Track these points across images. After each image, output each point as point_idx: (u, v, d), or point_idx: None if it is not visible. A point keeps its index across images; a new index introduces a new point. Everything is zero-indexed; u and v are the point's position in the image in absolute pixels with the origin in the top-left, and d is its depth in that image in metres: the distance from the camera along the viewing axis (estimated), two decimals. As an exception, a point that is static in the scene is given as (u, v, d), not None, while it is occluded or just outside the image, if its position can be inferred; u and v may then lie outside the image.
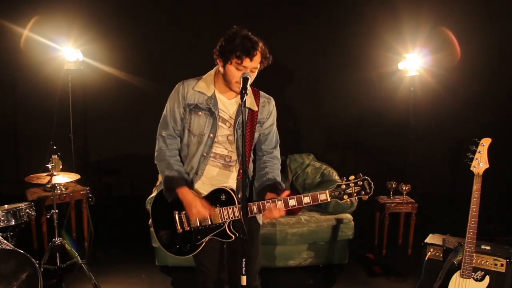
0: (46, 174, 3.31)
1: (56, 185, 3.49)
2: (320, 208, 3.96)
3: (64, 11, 4.65)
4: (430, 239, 2.81)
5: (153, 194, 3.70)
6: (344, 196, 1.98)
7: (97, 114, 5.08)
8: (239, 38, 1.97)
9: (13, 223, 3.02)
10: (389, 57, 4.80)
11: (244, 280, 1.97)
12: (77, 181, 3.83)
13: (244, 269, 1.95)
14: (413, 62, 4.44)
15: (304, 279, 3.61)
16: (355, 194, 1.98)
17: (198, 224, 2.12)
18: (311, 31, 5.05)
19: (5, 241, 2.92)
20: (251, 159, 2.24)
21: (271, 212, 2.03)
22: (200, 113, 2.12)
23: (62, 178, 3.30)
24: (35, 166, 4.03)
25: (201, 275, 2.31)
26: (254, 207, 2.04)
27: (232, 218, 2.09)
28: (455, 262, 2.57)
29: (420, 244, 2.82)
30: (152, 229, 3.55)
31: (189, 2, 5.04)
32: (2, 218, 2.97)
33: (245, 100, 1.89)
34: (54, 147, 3.78)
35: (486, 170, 2.44)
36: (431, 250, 2.74)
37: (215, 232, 2.12)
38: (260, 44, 2.01)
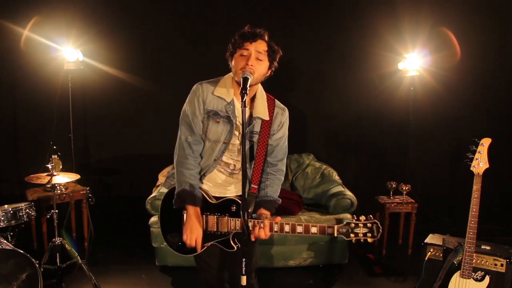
0: (46, 174, 3.31)
1: (56, 185, 3.49)
2: (320, 208, 3.96)
3: (64, 11, 4.65)
4: (430, 239, 2.81)
5: (153, 194, 3.71)
6: (351, 235, 1.99)
7: (97, 114, 5.08)
8: (241, 31, 2.01)
9: (13, 223, 3.02)
10: (389, 57, 4.80)
11: (244, 280, 1.97)
12: (77, 181, 3.83)
13: (244, 269, 1.96)
14: (413, 62, 4.45)
15: (304, 279, 3.61)
16: (361, 235, 1.99)
17: (204, 228, 2.13)
18: (311, 32, 5.05)
19: (5, 241, 2.92)
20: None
21: (259, 232, 2.03)
22: (218, 120, 2.09)
23: (62, 178, 3.30)
24: (35, 166, 4.04)
25: (203, 271, 2.29)
26: (250, 223, 2.04)
27: (237, 230, 2.08)
28: (455, 262, 2.57)
29: (420, 244, 2.82)
30: (153, 227, 3.57)
31: (188, 2, 5.04)
32: (2, 218, 2.97)
33: (245, 100, 1.87)
34: (54, 147, 3.78)
35: (486, 170, 2.44)
36: (431, 250, 2.74)
37: (218, 240, 2.12)
38: (265, 34, 2.01)
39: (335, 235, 1.99)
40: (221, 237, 2.11)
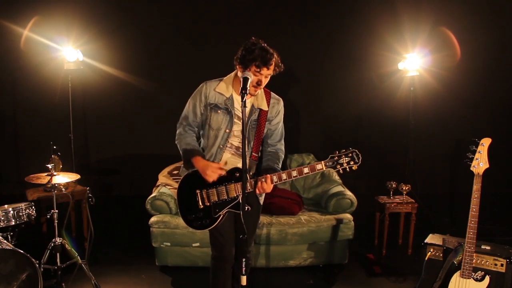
0: (46, 174, 3.31)
1: (56, 185, 3.49)
2: (320, 208, 3.96)
3: (64, 11, 4.64)
4: (430, 239, 2.81)
5: (153, 194, 3.72)
6: (337, 166, 2.31)
7: (97, 114, 5.07)
8: (258, 49, 2.27)
9: (13, 223, 3.02)
10: (389, 57, 4.80)
11: (244, 280, 1.98)
12: (77, 181, 3.83)
13: (244, 269, 1.96)
14: (413, 62, 4.45)
15: (304, 279, 3.61)
16: (345, 164, 2.31)
17: (217, 199, 2.41)
18: (311, 31, 5.04)
19: (5, 241, 2.92)
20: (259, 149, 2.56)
21: (262, 185, 2.33)
22: (219, 111, 2.45)
23: (62, 178, 3.30)
24: (35, 166, 4.03)
25: (217, 244, 2.53)
26: (253, 181, 2.38)
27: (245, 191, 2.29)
28: (455, 262, 2.57)
29: (420, 244, 2.82)
30: (153, 227, 3.58)
31: (189, 2, 5.04)
32: (2, 218, 2.97)
33: (245, 100, 2.05)
34: (54, 147, 3.78)
35: (486, 170, 2.44)
36: (431, 250, 2.75)
37: (230, 205, 2.39)
38: (275, 55, 2.32)
39: (324, 169, 2.32)
40: (232, 202, 2.39)
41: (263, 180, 2.33)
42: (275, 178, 2.34)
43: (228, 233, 2.49)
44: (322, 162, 2.30)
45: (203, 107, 2.48)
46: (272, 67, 2.31)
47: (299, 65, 5.06)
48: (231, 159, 2.49)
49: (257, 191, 2.37)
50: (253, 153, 2.50)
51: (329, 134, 5.30)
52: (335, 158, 2.31)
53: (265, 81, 2.35)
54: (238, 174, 2.39)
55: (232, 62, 2.41)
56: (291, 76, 5.08)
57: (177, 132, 2.56)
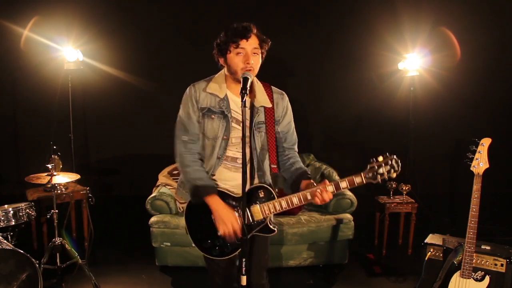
0: (46, 174, 3.31)
1: (56, 185, 3.49)
2: (320, 208, 3.96)
3: (64, 11, 4.64)
4: (430, 239, 2.81)
5: (153, 194, 3.72)
6: (378, 176, 1.96)
7: (97, 114, 5.07)
8: (229, 29, 2.01)
9: (13, 223, 3.02)
10: (389, 57, 4.80)
11: (244, 280, 1.97)
12: (77, 181, 3.83)
13: (244, 269, 1.96)
14: (413, 62, 4.45)
15: (304, 279, 3.61)
16: (386, 174, 1.96)
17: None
18: (311, 32, 5.04)
19: (5, 241, 2.92)
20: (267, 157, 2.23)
21: (322, 196, 2.01)
22: (213, 116, 2.11)
23: (62, 178, 3.30)
24: (35, 166, 4.04)
25: (210, 270, 2.28)
26: (295, 198, 2.05)
27: (273, 212, 2.09)
28: (455, 262, 2.57)
29: (420, 244, 2.82)
30: (152, 227, 3.57)
31: (188, 2, 5.04)
32: (2, 218, 2.97)
33: (245, 100, 1.88)
34: (54, 147, 3.78)
35: (486, 170, 2.44)
36: (431, 250, 2.75)
37: (257, 228, 2.11)
38: (253, 27, 2.03)
39: (364, 182, 1.98)
40: (259, 225, 2.10)
41: (321, 188, 2.00)
42: (330, 188, 2.02)
43: (226, 263, 2.20)
44: (362, 174, 1.97)
45: (198, 113, 2.12)
46: (252, 40, 2.00)
47: (299, 65, 5.06)
48: (225, 174, 2.16)
49: (319, 202, 2.03)
50: (272, 165, 2.16)
51: (329, 134, 5.30)
52: (375, 168, 1.95)
53: (255, 60, 2.02)
54: (262, 194, 2.09)
55: None
56: (291, 76, 5.08)
57: (178, 151, 2.14)
